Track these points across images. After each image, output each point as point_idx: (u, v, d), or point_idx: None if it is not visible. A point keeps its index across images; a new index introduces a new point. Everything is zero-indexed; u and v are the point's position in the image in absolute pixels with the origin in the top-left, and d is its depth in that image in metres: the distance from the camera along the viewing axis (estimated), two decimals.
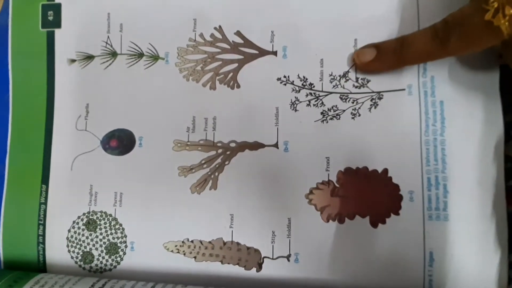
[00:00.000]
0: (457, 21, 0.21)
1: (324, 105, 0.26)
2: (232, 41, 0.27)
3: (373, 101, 0.26)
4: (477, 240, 0.24)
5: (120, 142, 0.28)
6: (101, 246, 0.28)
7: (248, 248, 0.26)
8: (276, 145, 0.26)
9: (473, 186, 0.24)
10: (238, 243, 0.26)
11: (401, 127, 0.25)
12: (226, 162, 0.27)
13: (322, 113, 0.26)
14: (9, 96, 0.29)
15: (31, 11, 0.29)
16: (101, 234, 0.28)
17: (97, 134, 0.28)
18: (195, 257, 0.27)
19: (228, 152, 0.27)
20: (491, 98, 0.24)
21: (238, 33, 0.27)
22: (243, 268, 0.26)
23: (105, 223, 0.27)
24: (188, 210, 0.27)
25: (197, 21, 0.27)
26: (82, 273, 0.27)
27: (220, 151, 0.27)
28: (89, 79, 0.28)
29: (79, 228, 0.28)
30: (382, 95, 0.26)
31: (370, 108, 0.26)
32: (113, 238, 0.27)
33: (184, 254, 0.27)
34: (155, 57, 0.28)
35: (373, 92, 0.26)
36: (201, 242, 0.27)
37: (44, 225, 0.28)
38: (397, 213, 0.25)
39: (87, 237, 0.28)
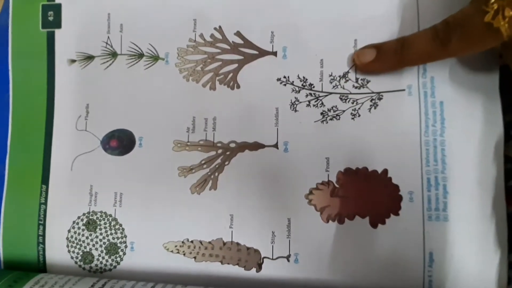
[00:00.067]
0: (457, 22, 0.21)
1: (324, 105, 0.26)
2: (232, 41, 0.27)
3: (373, 101, 0.26)
4: (477, 241, 0.24)
5: (120, 142, 0.28)
6: (101, 246, 0.28)
7: (248, 248, 0.26)
8: (276, 146, 0.26)
9: (473, 186, 0.24)
10: (238, 244, 0.26)
11: (401, 127, 0.25)
12: (226, 163, 0.27)
13: (322, 113, 0.26)
14: (9, 96, 0.29)
15: (31, 11, 0.29)
16: (101, 234, 0.28)
17: (97, 134, 0.28)
18: (195, 257, 0.27)
19: (228, 153, 0.27)
20: (491, 98, 0.24)
21: (238, 34, 0.27)
22: (243, 269, 0.26)
23: (105, 223, 0.28)
24: (188, 210, 0.27)
25: (197, 22, 0.27)
26: (82, 273, 0.27)
27: (220, 151, 0.27)
28: (89, 80, 0.28)
29: (79, 228, 0.28)
30: (382, 95, 0.26)
31: (370, 109, 0.26)
32: (113, 238, 0.27)
33: (184, 254, 0.27)
34: (155, 58, 0.28)
35: (373, 92, 0.26)
36: (201, 242, 0.27)
37: (44, 225, 0.28)
38: (397, 214, 0.25)
39: (87, 237, 0.28)
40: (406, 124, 0.25)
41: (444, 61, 0.25)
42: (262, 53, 0.27)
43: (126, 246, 0.27)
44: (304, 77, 0.26)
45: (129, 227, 0.27)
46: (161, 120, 0.27)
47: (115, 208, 0.27)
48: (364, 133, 0.26)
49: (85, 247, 0.28)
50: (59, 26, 0.29)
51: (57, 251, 0.28)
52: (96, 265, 0.28)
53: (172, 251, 0.27)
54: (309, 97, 0.26)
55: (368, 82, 0.26)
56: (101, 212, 0.28)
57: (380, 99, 0.26)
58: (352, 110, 0.26)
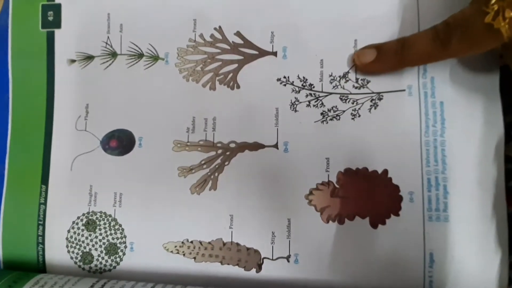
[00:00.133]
0: (458, 23, 0.21)
1: (324, 105, 0.26)
2: (232, 41, 0.27)
3: (373, 101, 0.26)
4: (477, 241, 0.24)
5: (120, 142, 0.28)
6: (100, 246, 0.27)
7: (247, 248, 0.26)
8: (276, 146, 0.26)
9: (473, 187, 0.24)
10: (237, 244, 0.26)
11: (401, 128, 0.25)
12: (226, 163, 0.27)
13: (322, 113, 0.26)
14: (9, 96, 0.29)
15: (31, 11, 0.29)
16: (100, 234, 0.27)
17: (97, 134, 0.28)
18: (194, 258, 0.27)
19: (228, 153, 0.27)
20: (491, 99, 0.24)
21: (238, 34, 0.27)
22: (243, 269, 0.26)
23: (104, 224, 0.27)
24: (187, 210, 0.27)
25: (197, 22, 0.27)
26: (81, 274, 0.27)
27: (220, 151, 0.27)
28: (89, 80, 0.28)
29: (78, 228, 0.28)
30: (382, 95, 0.26)
31: (370, 109, 0.26)
32: (113, 239, 0.27)
33: (184, 254, 0.27)
34: (155, 58, 0.28)
35: (373, 92, 0.26)
36: (200, 242, 0.27)
37: (43, 225, 0.28)
38: (397, 214, 0.25)
39: (86, 238, 0.28)
40: (406, 124, 0.25)
41: (445, 62, 0.25)
42: (262, 53, 0.27)
43: (125, 247, 0.27)
44: (304, 77, 0.26)
45: (128, 227, 0.27)
46: (161, 120, 0.27)
47: (115, 208, 0.27)
48: (364, 133, 0.25)
49: (84, 248, 0.28)
50: (59, 26, 0.29)
51: (57, 251, 0.28)
52: (96, 265, 0.27)
53: (172, 252, 0.27)
54: (309, 97, 0.26)
55: (368, 82, 0.26)
56: (100, 212, 0.28)
57: (380, 99, 0.26)
58: (352, 110, 0.26)
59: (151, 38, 0.28)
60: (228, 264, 0.26)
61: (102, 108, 0.28)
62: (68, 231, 0.28)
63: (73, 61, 0.29)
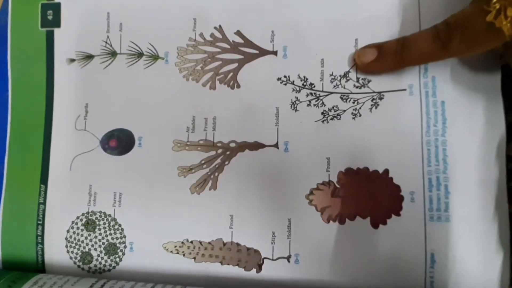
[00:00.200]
0: (458, 22, 0.21)
1: (325, 105, 0.26)
2: (232, 40, 0.27)
3: (374, 101, 0.26)
4: (478, 241, 0.24)
5: (120, 142, 0.28)
6: (100, 246, 0.27)
7: (248, 249, 0.26)
8: (276, 145, 0.26)
9: (475, 187, 0.24)
10: (238, 244, 0.26)
11: (402, 127, 0.25)
12: (226, 162, 0.27)
13: (322, 113, 0.26)
14: (8, 95, 0.29)
15: (31, 11, 0.29)
16: (100, 234, 0.27)
17: (96, 134, 0.28)
18: (194, 258, 0.26)
19: (228, 152, 0.27)
20: (493, 98, 0.24)
21: (238, 33, 0.27)
22: (243, 269, 0.26)
23: (104, 224, 0.27)
24: (187, 210, 0.27)
25: (197, 21, 0.27)
26: (81, 274, 0.27)
27: (220, 151, 0.27)
28: (89, 79, 0.28)
29: (78, 228, 0.28)
30: (383, 95, 0.25)
31: (371, 108, 0.25)
32: (112, 239, 0.27)
33: (184, 254, 0.26)
34: (154, 57, 0.28)
35: (374, 92, 0.26)
36: (200, 242, 0.26)
37: (43, 225, 0.28)
38: (398, 214, 0.25)
39: (86, 238, 0.28)
40: (407, 124, 0.25)
41: (446, 61, 0.24)
42: (263, 52, 0.27)
43: (125, 247, 0.27)
44: (304, 77, 0.26)
45: (128, 227, 0.27)
46: (161, 119, 0.27)
47: (114, 208, 0.27)
48: (365, 133, 0.25)
49: (84, 247, 0.28)
50: (58, 25, 0.29)
51: (56, 251, 0.28)
52: (95, 265, 0.27)
53: (171, 252, 0.27)
54: (310, 97, 0.26)
55: (369, 81, 0.26)
56: (100, 212, 0.27)
57: (381, 98, 0.25)
58: (353, 109, 0.26)
59: (151, 37, 0.28)
60: (228, 264, 0.26)
61: (101, 107, 0.28)
62: (68, 231, 0.28)
63: (72, 60, 0.28)
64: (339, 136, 0.26)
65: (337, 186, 0.26)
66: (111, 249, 0.27)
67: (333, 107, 0.26)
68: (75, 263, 0.28)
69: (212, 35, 0.27)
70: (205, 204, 0.26)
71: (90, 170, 0.28)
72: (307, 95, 0.26)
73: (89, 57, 0.28)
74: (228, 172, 0.26)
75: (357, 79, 0.26)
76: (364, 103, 0.26)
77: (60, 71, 0.28)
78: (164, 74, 0.27)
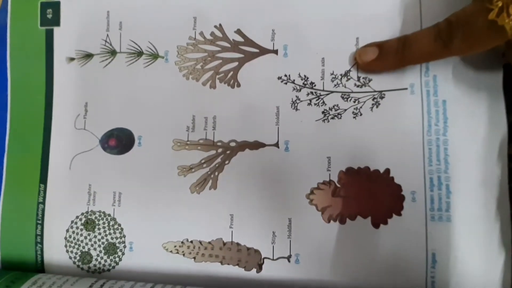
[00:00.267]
0: (460, 21, 0.21)
1: (325, 104, 0.26)
2: (233, 39, 0.27)
3: (375, 100, 0.25)
4: (480, 241, 0.24)
5: (119, 141, 0.28)
6: (99, 246, 0.27)
7: (248, 248, 0.26)
8: (276, 145, 0.26)
9: (476, 186, 0.24)
10: (238, 244, 0.26)
11: (403, 126, 0.25)
12: (226, 162, 0.26)
13: (323, 112, 0.26)
14: (8, 94, 0.29)
15: (30, 9, 0.29)
16: (99, 234, 0.27)
17: (96, 133, 0.28)
18: (194, 258, 0.26)
19: (228, 152, 0.26)
20: (494, 97, 0.24)
21: (239, 32, 0.27)
22: (243, 269, 0.26)
23: (103, 223, 0.27)
24: (187, 210, 0.26)
25: (197, 19, 0.27)
26: (80, 274, 0.27)
27: (220, 150, 0.27)
28: (88, 78, 0.28)
29: (77, 228, 0.28)
30: (384, 94, 0.25)
31: (371, 108, 0.25)
32: (112, 238, 0.27)
33: (184, 254, 0.26)
34: (154, 56, 0.28)
35: (374, 91, 0.25)
36: (200, 242, 0.26)
37: (42, 224, 0.28)
38: (399, 214, 0.25)
39: (85, 237, 0.27)
40: (408, 123, 0.25)
41: (447, 60, 0.24)
42: (263, 51, 0.27)
43: (125, 246, 0.27)
44: (305, 76, 0.26)
45: (128, 227, 0.27)
46: (161, 119, 0.27)
47: (114, 207, 0.27)
48: (366, 132, 0.25)
49: (83, 247, 0.27)
50: (58, 24, 0.29)
51: (55, 251, 0.28)
52: (95, 265, 0.27)
53: (171, 251, 0.26)
54: (310, 96, 0.26)
55: (370, 80, 0.26)
56: (99, 211, 0.27)
57: (382, 98, 0.25)
58: (354, 109, 0.26)
59: (151, 36, 0.28)
60: (228, 264, 0.26)
61: (101, 106, 0.28)
62: (67, 231, 0.28)
63: (72, 59, 0.28)
64: (340, 135, 0.26)
65: (338, 185, 0.25)
66: (111, 249, 0.27)
67: (333, 106, 0.26)
68: (74, 262, 0.27)
69: (212, 33, 0.27)
70: (205, 204, 0.26)
71: (90, 169, 0.28)
72: (308, 94, 0.26)
73: (89, 56, 0.28)
74: (228, 171, 0.26)
75: (358, 78, 0.26)
76: (365, 102, 0.25)
77: (60, 70, 0.28)
78: (164, 73, 0.27)
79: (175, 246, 0.26)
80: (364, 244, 0.25)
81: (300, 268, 0.25)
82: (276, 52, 0.26)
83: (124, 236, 0.27)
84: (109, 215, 0.27)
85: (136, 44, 0.28)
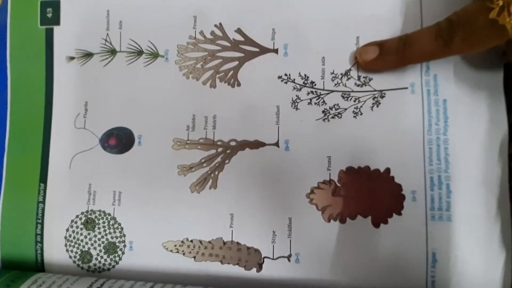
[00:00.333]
0: (461, 20, 0.21)
1: (326, 103, 0.26)
2: (233, 38, 0.27)
3: (375, 99, 0.25)
4: (480, 241, 0.24)
5: (119, 140, 0.27)
6: (99, 245, 0.27)
7: (248, 248, 0.26)
8: (276, 144, 0.26)
9: (477, 186, 0.24)
10: (238, 243, 0.26)
11: (403, 126, 0.25)
12: (226, 161, 0.26)
13: (323, 111, 0.26)
14: (8, 93, 0.29)
15: (30, 8, 0.29)
16: (99, 233, 0.27)
17: (96, 132, 0.28)
18: (194, 257, 0.26)
19: (228, 151, 0.26)
20: (495, 96, 0.24)
21: (239, 31, 0.27)
22: (243, 268, 0.26)
23: (103, 222, 0.27)
24: (187, 209, 0.26)
25: (197, 19, 0.27)
26: (80, 273, 0.27)
27: (220, 149, 0.27)
28: (88, 77, 0.28)
29: (77, 227, 0.28)
30: (385, 93, 0.25)
31: (372, 107, 0.25)
32: (112, 238, 0.27)
33: (184, 254, 0.26)
34: (154, 55, 0.28)
35: (375, 90, 0.25)
36: (200, 241, 0.26)
37: (42, 224, 0.28)
38: (399, 213, 0.25)
39: (85, 237, 0.27)
40: (408, 122, 0.25)
41: (448, 59, 0.24)
42: (263, 50, 0.27)
43: (125, 246, 0.27)
44: (305, 75, 0.26)
45: (128, 226, 0.27)
46: (161, 118, 0.27)
47: (114, 207, 0.27)
48: (366, 131, 0.25)
49: (83, 246, 0.27)
50: (57, 23, 0.29)
51: (55, 250, 0.28)
52: (95, 264, 0.27)
53: (171, 251, 0.26)
54: (311, 95, 0.26)
55: (370, 80, 0.25)
56: (99, 211, 0.27)
57: (382, 97, 0.25)
58: (354, 108, 0.25)
59: (151, 35, 0.27)
60: (228, 263, 0.26)
61: (101, 105, 0.28)
62: (67, 230, 0.28)
63: (72, 58, 0.28)
64: (340, 134, 0.25)
65: (338, 185, 0.25)
66: (111, 248, 0.27)
67: (334, 106, 0.26)
68: (74, 262, 0.27)
69: (212, 33, 0.27)
70: (205, 203, 0.26)
71: (90, 168, 0.28)
72: (308, 94, 0.26)
73: (89, 55, 0.28)
74: (228, 171, 0.26)
75: (358, 77, 0.26)
76: (365, 101, 0.25)
77: (60, 69, 0.28)
78: (164, 72, 0.27)
79: (175, 246, 0.26)
80: (364, 243, 0.25)
81: (300, 268, 0.25)
82: (276, 51, 0.26)
83: (124, 236, 0.27)
84: (109, 214, 0.27)
85: (136, 43, 0.28)
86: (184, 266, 0.26)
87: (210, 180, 0.26)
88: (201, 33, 0.27)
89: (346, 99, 0.26)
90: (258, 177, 0.26)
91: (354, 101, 0.26)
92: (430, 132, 0.25)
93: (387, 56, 0.24)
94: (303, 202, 0.26)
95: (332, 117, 0.26)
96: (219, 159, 0.27)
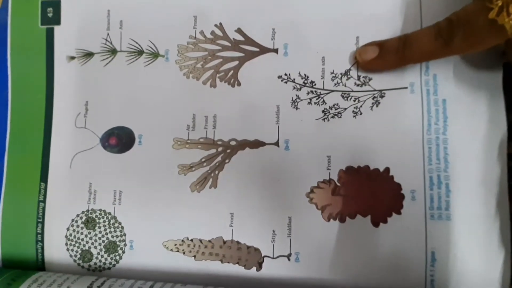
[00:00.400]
0: (461, 20, 0.21)
1: (326, 103, 0.26)
2: (233, 38, 0.27)
3: (375, 99, 0.25)
4: (479, 240, 0.24)
5: (120, 140, 0.28)
6: (100, 244, 0.27)
7: (248, 247, 0.26)
8: (276, 144, 0.26)
9: (476, 185, 0.24)
10: (238, 242, 0.26)
11: (403, 125, 0.25)
12: (226, 161, 0.26)
13: (323, 111, 0.26)
14: (8, 93, 0.29)
15: (31, 8, 0.29)
16: (100, 232, 0.27)
17: (96, 131, 0.28)
18: (194, 256, 0.26)
19: (228, 150, 0.27)
20: (494, 96, 0.24)
21: (239, 31, 0.27)
22: (243, 267, 0.26)
23: (104, 222, 0.27)
24: (187, 208, 0.26)
25: (198, 18, 0.27)
26: (80, 272, 0.27)
27: (220, 149, 0.27)
28: (89, 77, 0.28)
29: (78, 226, 0.28)
30: (384, 93, 0.25)
31: (372, 107, 0.25)
32: (112, 237, 0.27)
33: (184, 253, 0.26)
34: (155, 55, 0.28)
35: (375, 90, 0.25)
36: (200, 241, 0.26)
37: (43, 223, 0.28)
38: (398, 213, 0.25)
39: (86, 236, 0.27)
40: (408, 122, 0.25)
41: (447, 59, 0.24)
42: (263, 50, 0.27)
43: (125, 245, 0.27)
44: (305, 75, 0.26)
45: (128, 225, 0.27)
46: (161, 117, 0.27)
47: (115, 206, 0.27)
48: (366, 131, 0.25)
49: (84, 246, 0.27)
50: (58, 22, 0.29)
51: (56, 249, 0.28)
52: (95, 263, 0.27)
53: (171, 250, 0.27)
54: (311, 95, 0.26)
55: (370, 79, 0.26)
56: (100, 210, 0.27)
57: (382, 96, 0.25)
58: (354, 108, 0.26)
59: (151, 35, 0.28)
60: (228, 262, 0.26)
61: (101, 105, 0.28)
62: (68, 229, 0.28)
63: (72, 58, 0.28)
64: (340, 134, 0.26)
65: (338, 184, 0.25)
66: (111, 247, 0.27)
67: (334, 105, 0.26)
68: (75, 261, 0.28)
69: (212, 32, 0.27)
70: (205, 202, 0.26)
71: (90, 168, 0.28)
72: (308, 93, 0.26)
73: (89, 54, 0.28)
74: (229, 170, 0.26)
75: (358, 77, 0.26)
76: (365, 101, 0.26)
77: (60, 68, 0.28)
78: (164, 72, 0.27)
79: (175, 245, 0.27)
80: (364, 242, 0.25)
81: (300, 267, 0.25)
82: (276, 51, 0.27)
83: (125, 235, 0.27)
84: (110, 213, 0.27)
85: (137, 43, 0.28)
86: (184, 265, 0.26)
87: (210, 180, 0.27)
88: (202, 33, 0.27)
89: (346, 98, 0.26)
90: (258, 176, 0.26)
91: (354, 100, 0.26)
92: (430, 132, 0.25)
93: (387, 56, 0.24)
94: (303, 201, 0.26)
95: (332, 117, 0.26)
96: (219, 158, 0.27)
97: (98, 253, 0.27)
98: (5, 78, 0.29)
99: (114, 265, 0.27)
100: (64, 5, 0.29)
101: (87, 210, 0.28)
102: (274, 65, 0.26)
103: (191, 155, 0.27)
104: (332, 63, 0.26)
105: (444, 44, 0.22)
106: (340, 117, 0.26)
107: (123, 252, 0.27)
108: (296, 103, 0.26)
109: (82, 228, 0.28)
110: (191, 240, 0.26)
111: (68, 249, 0.28)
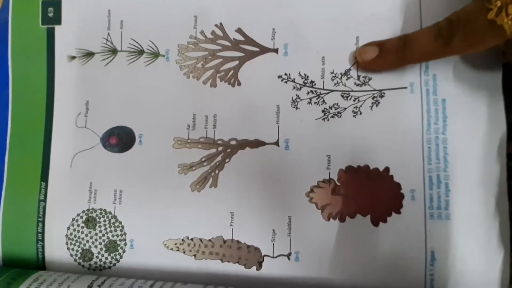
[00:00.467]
0: (460, 20, 0.21)
1: (325, 103, 0.26)
2: (233, 38, 0.27)
3: (375, 99, 0.25)
4: (479, 240, 0.24)
5: (120, 139, 0.28)
6: (100, 243, 0.27)
7: (248, 246, 0.26)
8: (276, 143, 0.26)
9: (475, 184, 0.24)
10: (238, 241, 0.26)
11: (402, 125, 0.25)
12: (227, 160, 0.27)
13: (323, 111, 0.26)
14: (9, 92, 0.29)
15: (31, 8, 0.29)
16: (100, 231, 0.27)
17: (97, 131, 0.28)
18: (194, 255, 0.26)
19: (228, 150, 0.27)
20: (494, 96, 0.24)
21: (239, 30, 0.27)
22: (243, 267, 0.26)
23: (104, 221, 0.27)
24: (188, 208, 0.27)
25: (198, 18, 0.27)
26: (81, 271, 0.27)
27: (220, 148, 0.27)
28: (89, 76, 0.28)
29: (78, 225, 0.28)
30: (384, 93, 0.25)
31: (371, 106, 0.25)
32: (113, 236, 0.27)
33: (184, 252, 0.26)
34: (155, 54, 0.28)
35: (374, 90, 0.26)
36: (201, 240, 0.26)
37: (43, 222, 0.28)
38: (398, 212, 0.25)
39: (86, 235, 0.28)
40: (408, 122, 0.25)
41: (447, 59, 0.24)
42: (263, 50, 0.27)
43: (125, 244, 0.27)
44: (305, 75, 0.26)
45: (128, 224, 0.27)
46: (161, 117, 0.27)
47: (115, 205, 0.27)
48: (366, 131, 0.25)
49: (84, 245, 0.28)
50: (59, 22, 0.29)
51: (56, 248, 0.28)
52: (96, 262, 0.27)
53: (172, 249, 0.27)
54: (310, 95, 0.26)
55: (369, 79, 0.26)
56: (100, 209, 0.27)
57: (382, 96, 0.25)
58: (354, 107, 0.26)
59: (152, 35, 0.28)
60: (228, 261, 0.26)
61: (102, 105, 0.28)
62: (68, 228, 0.28)
63: (73, 57, 0.28)
64: (340, 134, 0.26)
65: (338, 184, 0.26)
66: (112, 247, 0.27)
67: (333, 105, 0.26)
68: (75, 260, 0.28)
69: (213, 32, 0.27)
70: (206, 202, 0.26)
71: (91, 167, 0.28)
72: (308, 93, 0.26)
73: (90, 54, 0.28)
74: (229, 169, 0.26)
75: (358, 77, 0.26)
76: (364, 101, 0.26)
77: (61, 68, 0.28)
78: (164, 72, 0.27)
79: (175, 244, 0.27)
80: (364, 242, 0.25)
81: (300, 266, 0.25)
82: (276, 51, 0.27)
83: (125, 234, 0.27)
84: (110, 212, 0.27)
85: (137, 42, 0.28)
86: (184, 264, 0.26)
87: (211, 179, 0.27)
88: (202, 32, 0.27)
89: (345, 98, 0.26)
90: (258, 176, 0.26)
91: (354, 100, 0.26)
92: (429, 132, 0.25)
93: (387, 56, 0.24)
94: (303, 201, 0.26)
95: (332, 117, 0.26)
96: (219, 158, 0.27)
97: (99, 252, 0.27)
98: (6, 78, 0.29)
99: (114, 264, 0.27)
100: (65, 5, 0.29)
101: (88, 209, 0.28)
102: (274, 65, 0.26)
103: (191, 155, 0.27)
104: (332, 63, 0.26)
105: (444, 44, 0.22)
106: (340, 116, 0.26)
107: (124, 251, 0.27)
108: (296, 103, 0.26)
109: (82, 227, 0.28)
110: (191, 239, 0.27)
111: (68, 248, 0.28)
